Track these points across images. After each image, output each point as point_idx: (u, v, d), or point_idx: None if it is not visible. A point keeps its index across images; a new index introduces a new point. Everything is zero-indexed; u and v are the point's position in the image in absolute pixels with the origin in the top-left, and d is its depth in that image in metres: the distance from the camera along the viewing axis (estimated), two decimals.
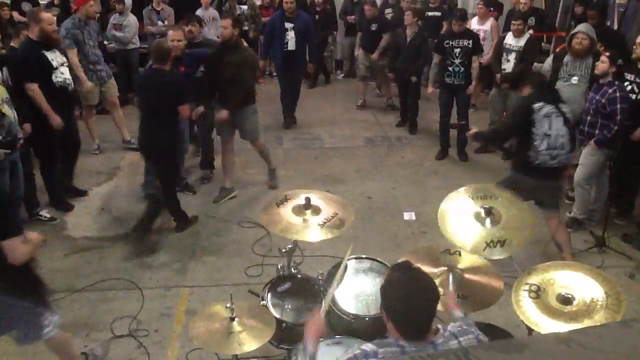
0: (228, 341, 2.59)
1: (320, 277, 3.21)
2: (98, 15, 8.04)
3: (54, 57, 4.99)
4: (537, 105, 4.00)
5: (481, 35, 7.08)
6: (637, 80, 4.79)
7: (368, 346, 1.84)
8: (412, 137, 7.41)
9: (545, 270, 2.77)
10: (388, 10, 8.70)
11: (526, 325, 2.60)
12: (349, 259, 3.30)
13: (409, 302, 1.83)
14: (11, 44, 5.43)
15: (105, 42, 7.87)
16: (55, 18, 5.15)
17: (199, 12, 8.53)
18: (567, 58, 5.23)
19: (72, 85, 5.29)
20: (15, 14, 7.46)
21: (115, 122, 6.79)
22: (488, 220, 2.97)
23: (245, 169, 6.21)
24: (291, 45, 7.21)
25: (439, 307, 1.99)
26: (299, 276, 3.29)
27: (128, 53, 7.99)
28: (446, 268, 2.84)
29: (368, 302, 3.03)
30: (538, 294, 2.63)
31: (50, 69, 4.92)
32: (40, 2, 8.45)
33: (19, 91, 4.73)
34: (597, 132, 4.68)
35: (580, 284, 2.63)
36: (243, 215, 5.30)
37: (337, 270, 3.19)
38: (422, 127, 7.54)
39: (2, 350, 3.18)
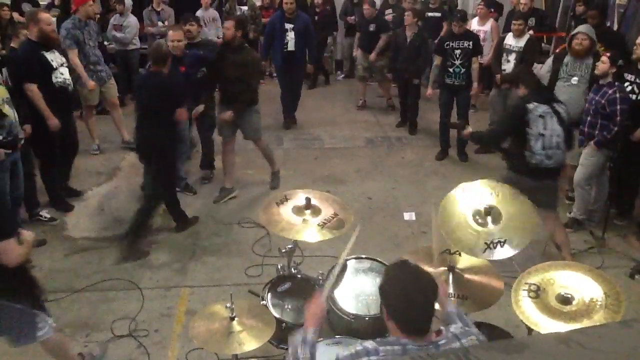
0: (228, 341, 2.60)
1: (320, 277, 3.21)
2: (98, 16, 8.06)
3: (54, 58, 4.99)
4: (531, 106, 4.01)
5: (481, 36, 7.08)
6: (637, 80, 4.79)
7: (369, 343, 1.84)
8: (412, 138, 7.41)
9: (545, 270, 2.77)
10: (388, 11, 8.70)
11: (526, 325, 2.60)
12: (348, 259, 3.31)
13: (408, 296, 1.84)
14: (11, 44, 5.44)
15: (106, 43, 7.88)
16: (53, 18, 5.16)
17: (199, 12, 8.53)
18: (567, 58, 5.23)
19: (72, 86, 5.30)
20: (16, 15, 7.46)
21: (114, 123, 6.80)
22: (488, 219, 2.97)
23: (245, 169, 6.21)
24: (291, 46, 7.22)
25: (436, 306, 1.99)
26: (299, 276, 3.29)
27: (128, 54, 7.99)
28: (446, 268, 2.84)
29: (368, 302, 3.03)
30: (538, 293, 2.64)
31: (50, 69, 4.93)
32: (41, 2, 8.46)
33: (19, 92, 4.73)
34: (597, 132, 4.68)
35: (579, 284, 2.63)
36: (243, 215, 5.30)
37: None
38: (422, 128, 7.55)
39: (2, 351, 3.17)
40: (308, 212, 3.16)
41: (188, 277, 4.43)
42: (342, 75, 10.31)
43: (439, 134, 6.77)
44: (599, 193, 4.98)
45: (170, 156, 4.78)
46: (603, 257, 4.62)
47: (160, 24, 8.20)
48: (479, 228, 2.97)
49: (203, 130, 5.88)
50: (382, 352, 1.80)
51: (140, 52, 8.12)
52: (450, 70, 6.39)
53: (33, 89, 4.80)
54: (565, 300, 2.58)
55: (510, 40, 6.43)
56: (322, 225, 3.09)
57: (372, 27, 7.98)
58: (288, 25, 7.17)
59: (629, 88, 4.78)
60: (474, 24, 7.51)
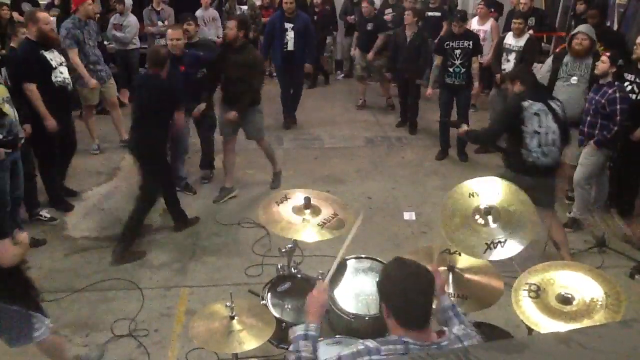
0: (228, 340, 2.60)
1: (320, 277, 3.21)
2: (98, 15, 8.06)
3: (53, 57, 4.99)
4: (526, 104, 4.01)
5: (481, 35, 7.08)
6: (637, 80, 4.80)
7: (371, 342, 1.83)
8: (412, 137, 7.41)
9: (545, 270, 2.77)
10: (388, 11, 8.69)
11: (526, 325, 2.60)
12: (348, 259, 3.31)
13: (405, 288, 1.84)
14: (11, 44, 5.44)
15: (105, 43, 7.87)
16: (52, 18, 5.16)
17: (199, 12, 8.54)
18: (566, 58, 5.23)
19: (71, 85, 5.30)
20: (16, 15, 7.46)
21: (114, 122, 6.80)
22: (489, 219, 2.97)
23: (245, 169, 6.21)
24: (291, 46, 7.22)
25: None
26: (299, 276, 3.29)
27: (128, 53, 7.99)
28: (446, 268, 2.84)
29: (368, 302, 3.02)
30: (538, 293, 2.63)
31: (49, 68, 4.93)
32: (41, 2, 8.46)
33: (18, 91, 4.73)
34: (596, 132, 4.68)
35: (580, 284, 2.63)
36: (243, 215, 5.30)
37: (336, 270, 3.20)
38: (422, 127, 7.55)
39: (2, 351, 3.17)
40: (308, 211, 3.15)
41: (188, 277, 4.42)
42: (342, 75, 10.31)
43: (439, 134, 6.77)
44: (599, 193, 4.98)
45: (164, 158, 4.76)
46: (603, 257, 4.62)
47: (160, 23, 8.20)
48: (480, 228, 2.96)
49: (203, 130, 5.88)
50: (384, 351, 1.79)
51: (140, 52, 8.11)
52: (451, 70, 6.39)
53: (32, 89, 4.80)
54: (566, 300, 2.58)
55: (510, 39, 6.43)
56: (322, 225, 3.08)
57: (369, 27, 7.98)
58: (288, 25, 7.17)
59: (629, 88, 4.78)
60: (474, 24, 7.51)
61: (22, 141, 4.50)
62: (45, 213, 5.14)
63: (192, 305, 4.05)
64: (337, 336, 2.83)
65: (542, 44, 7.98)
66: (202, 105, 5.48)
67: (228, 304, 2.67)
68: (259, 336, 2.63)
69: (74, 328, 3.82)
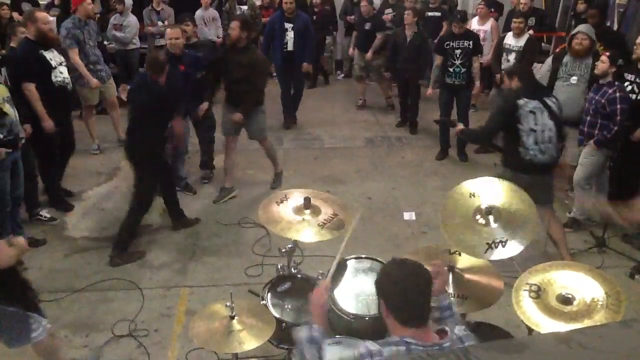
0: (228, 340, 2.60)
1: (320, 277, 3.21)
2: (98, 15, 8.06)
3: (52, 57, 4.99)
4: (521, 102, 4.00)
5: (481, 35, 7.08)
6: (637, 80, 4.79)
7: (372, 345, 1.83)
8: (412, 138, 7.41)
9: (546, 270, 2.77)
10: (388, 10, 8.69)
11: (526, 325, 2.60)
12: (348, 259, 3.31)
13: (403, 285, 1.86)
14: (11, 44, 5.44)
15: (105, 43, 7.88)
16: (51, 17, 5.16)
17: (199, 12, 8.54)
18: (566, 58, 5.22)
19: (71, 85, 5.30)
20: (16, 15, 7.46)
21: (112, 122, 6.81)
22: (490, 219, 2.96)
23: (245, 169, 6.21)
24: (291, 46, 7.22)
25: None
26: (299, 276, 3.28)
27: (128, 53, 7.99)
28: (446, 268, 2.84)
29: (368, 302, 3.02)
30: (538, 294, 2.63)
31: (49, 68, 4.93)
32: (41, 2, 8.46)
33: (18, 91, 4.73)
34: (596, 132, 4.68)
35: (580, 284, 2.63)
36: (243, 215, 5.30)
37: (336, 270, 3.20)
38: (422, 127, 7.54)
39: (1, 351, 3.17)
40: (308, 212, 3.15)
41: (188, 277, 4.42)
42: (342, 75, 10.31)
43: (439, 134, 6.77)
44: (599, 193, 4.98)
45: (162, 159, 4.75)
46: (603, 257, 4.62)
47: (160, 23, 8.20)
48: (481, 228, 2.96)
49: (202, 130, 5.88)
50: (385, 352, 1.79)
51: (140, 52, 8.12)
52: (451, 70, 6.39)
53: (31, 89, 4.80)
54: (566, 300, 2.58)
55: (510, 39, 6.44)
56: (322, 226, 3.08)
57: (367, 26, 7.98)
58: (288, 25, 7.17)
59: (629, 88, 4.78)
60: (474, 24, 7.51)
61: (23, 141, 4.50)
62: (45, 213, 5.13)
63: (192, 305, 4.05)
64: (337, 336, 2.83)
65: (542, 44, 7.98)
66: (205, 105, 5.48)
67: (228, 304, 2.67)
68: (259, 336, 2.63)
69: (73, 328, 3.82)
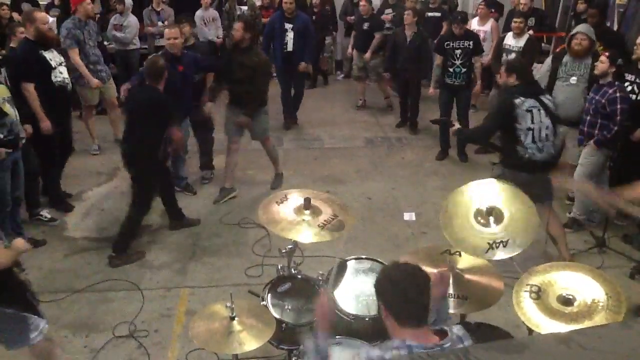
0: (228, 340, 2.60)
1: (320, 278, 3.21)
2: (98, 15, 8.06)
3: (52, 57, 4.99)
4: (518, 101, 4.00)
5: (481, 35, 7.08)
6: (638, 80, 4.79)
7: (374, 352, 1.84)
8: (412, 138, 7.41)
9: (546, 271, 2.77)
10: (388, 11, 8.69)
11: (527, 326, 2.60)
12: (348, 259, 3.32)
13: (402, 286, 1.87)
14: (10, 44, 5.44)
15: (105, 43, 7.88)
16: (51, 18, 5.16)
17: (199, 12, 8.55)
18: (566, 58, 5.22)
19: (71, 85, 5.30)
20: (15, 15, 7.47)
21: (111, 122, 6.82)
22: (490, 220, 2.97)
23: (245, 170, 6.21)
24: (290, 46, 7.22)
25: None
26: (299, 277, 3.29)
27: (128, 54, 7.99)
28: (446, 268, 2.84)
29: (368, 303, 3.02)
30: (539, 294, 2.63)
31: (49, 68, 4.92)
32: (40, 2, 8.46)
33: (18, 92, 4.73)
34: (596, 132, 4.68)
35: (581, 285, 2.63)
36: (243, 215, 5.30)
37: (337, 271, 3.21)
38: (422, 128, 7.54)
39: (1, 352, 3.17)
40: (308, 212, 3.15)
41: (188, 277, 4.42)
42: (342, 76, 10.31)
43: (439, 134, 6.77)
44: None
45: (160, 161, 4.74)
46: (603, 257, 4.61)
47: (160, 24, 8.20)
48: (481, 228, 2.96)
49: (201, 132, 5.86)
50: (387, 357, 1.80)
51: (140, 52, 8.12)
52: (451, 70, 6.39)
53: (29, 89, 4.79)
54: (567, 301, 2.58)
55: (509, 40, 6.43)
56: (322, 227, 3.08)
57: (365, 26, 7.98)
58: (288, 26, 7.17)
59: (629, 88, 4.78)
60: (474, 24, 7.50)
61: (23, 141, 4.50)
62: (45, 213, 5.13)
63: (192, 305, 4.05)
64: (337, 337, 2.83)
65: (542, 44, 7.98)
66: (209, 105, 5.49)
67: (228, 304, 2.67)
68: (259, 337, 2.63)
69: (73, 329, 3.82)
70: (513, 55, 6.28)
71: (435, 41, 6.90)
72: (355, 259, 3.35)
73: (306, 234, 3.06)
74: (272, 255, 4.50)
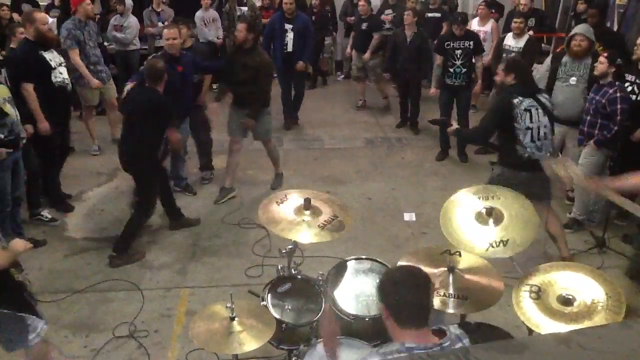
0: (228, 341, 2.60)
1: (320, 278, 3.21)
2: (98, 16, 8.06)
3: (52, 57, 4.99)
4: (516, 101, 4.00)
5: (481, 36, 7.08)
6: (638, 81, 4.79)
7: (374, 356, 1.85)
8: (412, 138, 7.41)
9: (546, 271, 2.77)
10: (388, 11, 8.69)
11: (526, 326, 2.60)
12: (348, 259, 3.32)
13: (403, 287, 1.88)
14: (11, 45, 5.45)
15: (106, 43, 7.88)
16: (50, 18, 5.16)
17: (199, 13, 8.55)
18: (565, 58, 5.22)
19: (70, 86, 5.30)
20: (15, 15, 7.47)
21: (109, 122, 6.82)
22: (490, 221, 2.97)
23: (245, 170, 6.21)
24: (291, 46, 7.22)
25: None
26: (299, 277, 3.28)
27: (128, 54, 7.99)
28: (446, 269, 2.84)
29: (368, 303, 3.02)
30: (539, 294, 2.63)
31: (49, 69, 4.92)
32: (41, 3, 8.46)
33: (18, 92, 4.72)
34: (596, 132, 4.68)
35: (581, 285, 2.63)
36: (243, 215, 5.30)
37: (337, 271, 3.21)
38: (422, 128, 7.54)
39: (0, 353, 3.17)
40: (308, 212, 3.15)
41: (188, 277, 4.42)
42: (342, 76, 10.31)
43: (439, 135, 6.77)
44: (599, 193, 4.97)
45: (158, 162, 4.74)
46: (603, 257, 4.61)
47: (160, 24, 8.20)
48: (482, 229, 2.96)
49: (198, 133, 5.82)
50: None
51: (141, 53, 8.12)
52: (451, 70, 6.39)
53: (29, 89, 4.79)
54: (567, 301, 2.58)
55: (509, 40, 6.44)
56: (322, 227, 3.08)
57: (364, 26, 7.98)
58: (288, 26, 7.17)
59: (630, 88, 4.78)
60: (474, 25, 7.50)
61: (24, 141, 4.50)
62: (46, 213, 5.14)
63: (193, 306, 4.05)
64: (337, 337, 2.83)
65: (542, 45, 7.99)
66: (214, 105, 5.50)
67: (228, 304, 2.67)
68: (259, 337, 2.63)
69: (73, 329, 3.82)
70: (513, 56, 6.28)
71: (436, 41, 6.90)
72: (355, 259, 3.35)
73: (306, 234, 3.06)
74: (272, 255, 4.50)
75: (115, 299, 4.15)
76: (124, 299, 4.15)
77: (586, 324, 2.45)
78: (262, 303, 3.07)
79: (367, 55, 7.96)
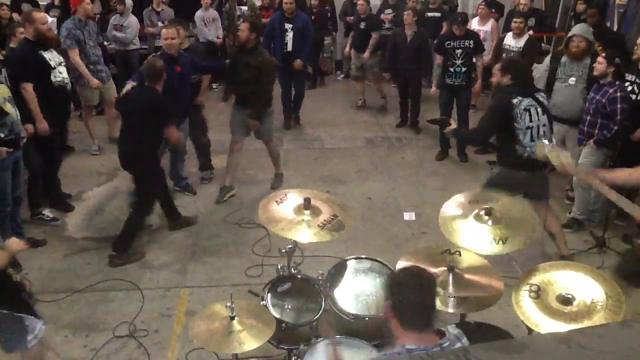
0: (228, 340, 2.60)
1: (320, 278, 3.21)
2: (98, 16, 8.05)
3: (52, 57, 4.98)
4: (515, 101, 3.99)
5: (481, 35, 7.08)
6: (638, 81, 4.79)
7: None
8: (412, 138, 7.41)
9: (546, 270, 2.77)
10: (388, 11, 8.69)
11: (526, 325, 2.60)
12: (348, 259, 3.32)
13: (407, 284, 1.91)
14: (10, 45, 5.44)
15: (106, 43, 7.88)
16: (50, 18, 5.15)
17: (199, 13, 8.55)
18: (564, 58, 5.21)
19: (70, 85, 5.30)
20: (15, 15, 7.47)
21: (108, 122, 6.82)
22: (490, 221, 2.97)
23: (245, 169, 6.20)
24: (291, 46, 7.22)
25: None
26: (299, 276, 3.28)
27: (128, 54, 7.99)
28: (446, 268, 2.84)
29: (368, 302, 3.03)
30: (538, 294, 2.63)
31: (48, 68, 4.91)
32: (40, 3, 8.45)
33: (17, 92, 4.72)
34: (596, 132, 4.68)
35: (580, 285, 2.63)
36: (243, 215, 5.30)
37: (336, 271, 3.21)
38: (422, 127, 7.54)
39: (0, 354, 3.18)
40: (308, 212, 3.15)
41: (188, 277, 4.42)
42: (342, 76, 10.31)
43: (439, 134, 6.77)
44: (598, 193, 4.97)
45: (158, 162, 4.72)
46: (603, 257, 4.61)
47: (160, 24, 8.19)
48: (481, 229, 2.96)
49: (196, 134, 5.80)
50: None
51: (140, 53, 8.12)
52: (451, 70, 6.39)
53: (28, 89, 4.78)
54: (566, 300, 2.58)
55: (509, 40, 6.43)
56: (322, 226, 3.09)
57: (363, 25, 7.98)
58: (288, 26, 7.18)
59: (630, 88, 4.78)
60: (474, 24, 7.51)
61: (24, 140, 4.49)
62: (47, 213, 5.14)
63: (192, 305, 4.05)
64: (337, 337, 2.83)
65: (542, 45, 7.99)
66: (221, 106, 5.49)
67: (228, 304, 2.67)
68: (258, 337, 2.63)
69: (73, 329, 3.82)
70: (513, 56, 6.28)
71: (436, 41, 6.90)
72: (355, 258, 3.35)
73: (306, 233, 3.06)
74: (272, 255, 4.50)
75: (115, 298, 4.15)
76: (123, 298, 4.15)
77: (586, 323, 2.45)
78: (262, 303, 3.07)
79: (365, 54, 7.96)
